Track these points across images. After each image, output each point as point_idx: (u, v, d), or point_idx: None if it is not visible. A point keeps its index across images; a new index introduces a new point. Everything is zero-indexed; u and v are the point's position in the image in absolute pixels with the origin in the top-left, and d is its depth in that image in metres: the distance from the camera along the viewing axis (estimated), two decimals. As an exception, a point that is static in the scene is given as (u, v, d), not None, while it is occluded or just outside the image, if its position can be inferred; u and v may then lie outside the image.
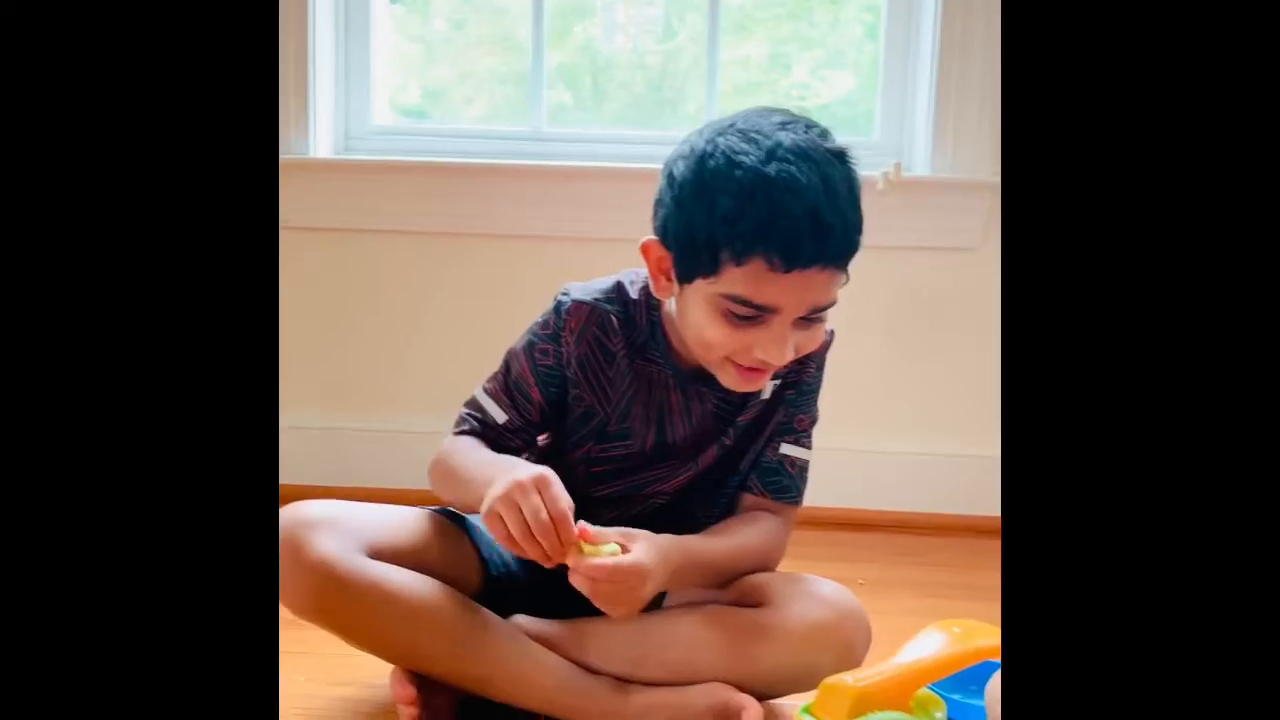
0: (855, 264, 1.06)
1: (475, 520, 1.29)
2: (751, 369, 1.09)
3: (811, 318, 1.06)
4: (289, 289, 2.08)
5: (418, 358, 2.09)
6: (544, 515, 1.01)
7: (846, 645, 1.12)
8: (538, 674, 1.16)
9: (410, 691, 1.13)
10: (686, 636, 1.15)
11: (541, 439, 1.28)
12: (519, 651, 1.17)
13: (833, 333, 1.22)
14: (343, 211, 2.06)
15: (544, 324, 1.20)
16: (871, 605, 1.18)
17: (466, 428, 1.24)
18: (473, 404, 1.25)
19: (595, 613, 1.20)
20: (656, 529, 1.19)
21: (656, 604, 1.23)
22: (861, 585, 1.48)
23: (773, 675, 1.13)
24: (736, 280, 1.03)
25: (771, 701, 1.17)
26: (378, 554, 1.13)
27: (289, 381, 2.09)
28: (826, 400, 1.27)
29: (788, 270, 1.00)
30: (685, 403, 1.21)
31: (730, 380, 1.12)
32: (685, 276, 1.09)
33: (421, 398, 2.07)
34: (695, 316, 1.09)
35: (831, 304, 1.06)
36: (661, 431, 1.22)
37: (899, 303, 2.05)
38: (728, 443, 1.24)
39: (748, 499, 1.26)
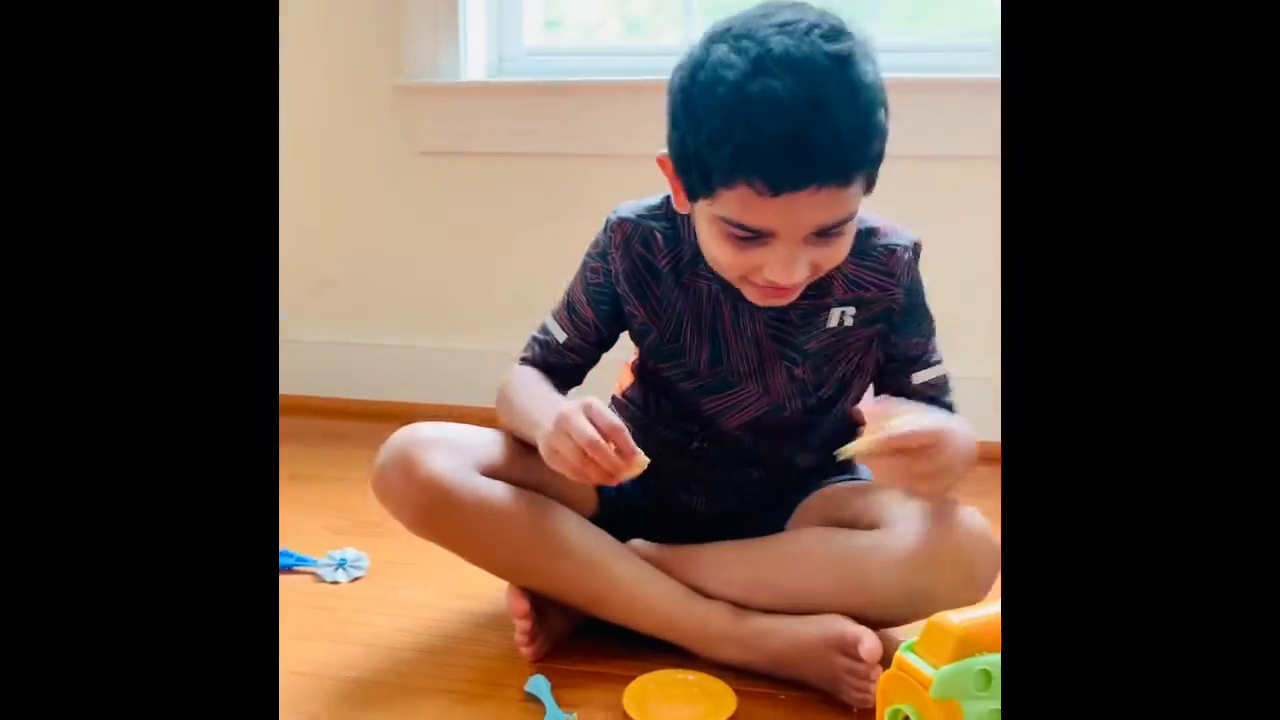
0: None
1: None
2: (770, 287, 1.02)
3: (826, 233, 0.97)
4: (424, 211, 2.12)
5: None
6: (592, 432, 0.98)
7: (967, 569, 1.04)
8: (651, 597, 1.15)
9: (524, 605, 1.14)
10: (801, 561, 1.11)
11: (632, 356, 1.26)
12: (632, 573, 1.16)
13: (917, 245, 1.14)
14: (496, 134, 2.07)
15: (595, 243, 1.18)
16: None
17: (530, 354, 1.23)
18: (541, 326, 1.24)
19: (710, 538, 1.17)
20: (748, 469, 1.17)
21: (775, 528, 1.19)
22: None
23: (887, 599, 1.07)
24: (729, 203, 0.96)
25: (889, 631, 1.12)
26: (491, 473, 1.14)
27: (426, 305, 2.15)
28: None
29: (775, 195, 0.92)
30: (736, 319, 1.14)
31: (753, 297, 1.05)
32: (689, 196, 1.03)
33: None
34: (703, 236, 1.04)
35: (846, 219, 0.97)
36: (716, 349, 1.16)
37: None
38: (798, 372, 1.15)
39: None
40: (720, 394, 1.18)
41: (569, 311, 1.21)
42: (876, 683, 0.94)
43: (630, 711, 1.06)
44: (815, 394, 1.18)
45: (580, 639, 1.20)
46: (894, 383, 1.18)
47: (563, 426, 1.00)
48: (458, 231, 2.14)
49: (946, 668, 0.80)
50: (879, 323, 1.14)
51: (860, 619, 1.07)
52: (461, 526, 1.11)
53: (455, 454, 1.13)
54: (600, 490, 1.23)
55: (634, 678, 1.11)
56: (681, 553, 1.19)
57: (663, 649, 1.16)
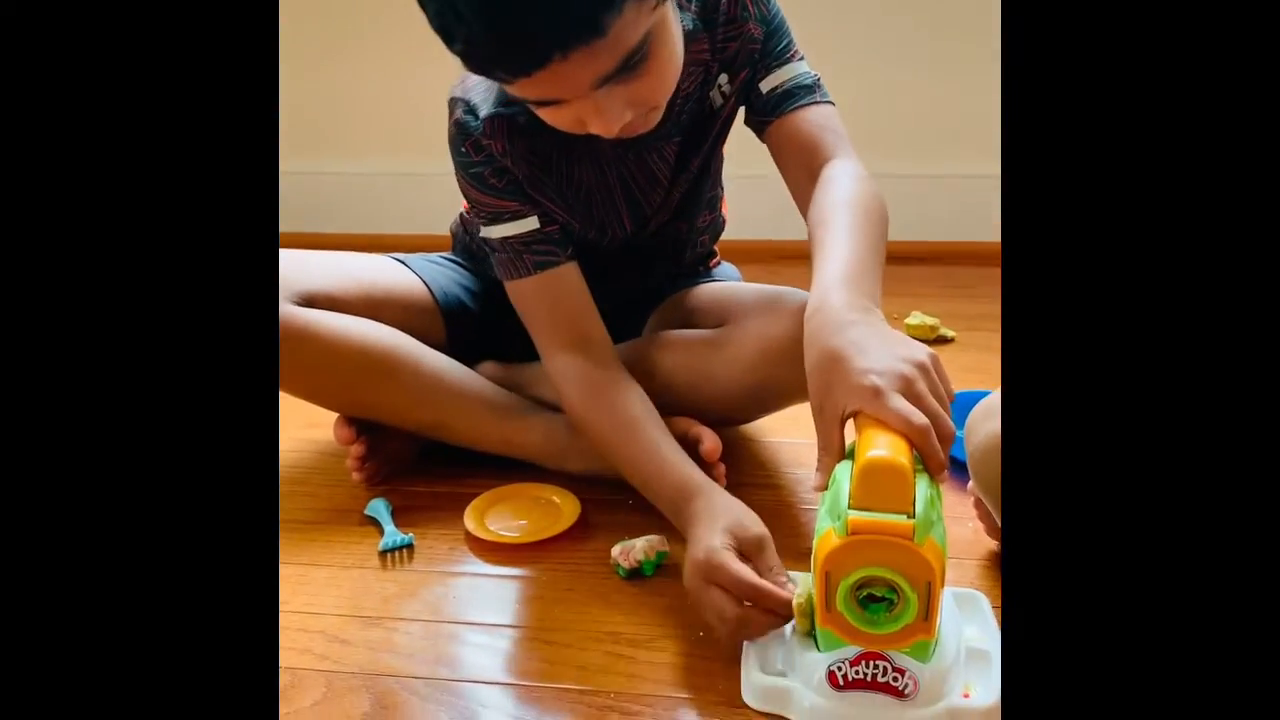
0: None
1: (415, 260, 1.23)
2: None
3: (627, 69, 0.82)
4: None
5: (409, 98, 1.92)
6: (751, 578, 0.82)
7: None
8: (494, 416, 1.12)
9: (348, 433, 1.11)
10: (651, 365, 1.07)
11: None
12: (474, 394, 1.12)
13: None
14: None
15: (468, 152, 1.01)
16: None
17: (523, 265, 1.02)
18: (496, 242, 1.03)
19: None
20: (611, 283, 1.09)
21: (628, 337, 1.16)
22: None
23: (731, 393, 1.05)
24: (505, 84, 0.83)
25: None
26: (312, 301, 1.07)
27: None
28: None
29: (527, 76, 0.79)
30: (647, 168, 1.05)
31: (624, 133, 0.90)
32: None
33: (403, 140, 1.96)
34: None
35: (632, 52, 0.81)
36: (635, 207, 1.08)
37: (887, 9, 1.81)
38: (693, 169, 1.09)
39: (782, 144, 1.02)
40: (611, 230, 1.10)
41: (501, 210, 1.03)
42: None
43: (469, 527, 1.04)
44: (698, 191, 1.12)
45: (429, 462, 1.18)
46: (768, 117, 1.03)
47: (712, 578, 0.84)
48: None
49: (919, 507, 0.69)
50: (745, 68, 1.02)
51: (708, 416, 1.05)
52: (285, 361, 1.05)
53: None
54: (445, 314, 1.19)
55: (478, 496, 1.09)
56: (529, 369, 1.16)
57: (511, 466, 1.13)
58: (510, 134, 0.99)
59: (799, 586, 0.80)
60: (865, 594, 0.71)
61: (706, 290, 1.17)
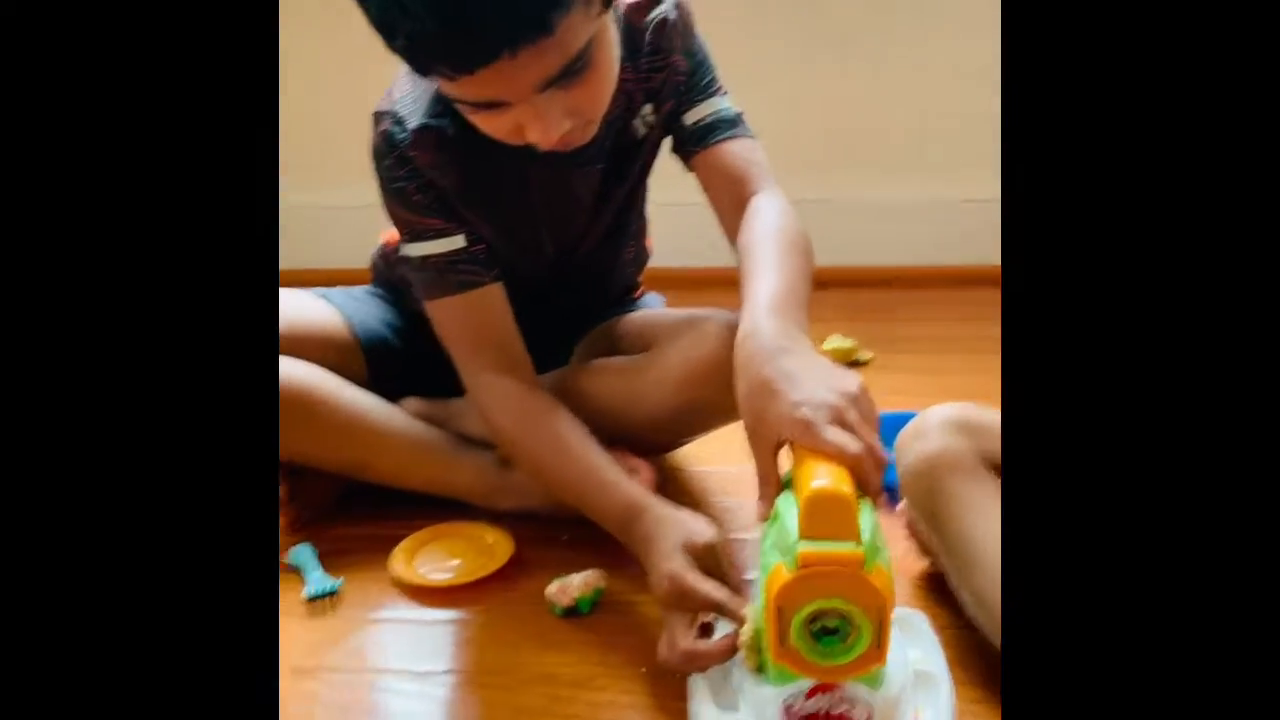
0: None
1: (336, 295, 1.20)
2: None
3: (568, 75, 0.81)
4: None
5: (324, 126, 1.81)
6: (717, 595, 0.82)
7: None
8: (420, 454, 1.09)
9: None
10: (580, 394, 1.05)
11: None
12: (399, 432, 1.09)
13: (679, 5, 1.00)
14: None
15: (393, 166, 0.97)
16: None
17: (446, 284, 0.99)
18: (418, 260, 1.00)
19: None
20: (536, 310, 1.06)
21: (561, 362, 1.14)
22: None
23: (659, 416, 1.04)
24: (444, 85, 0.82)
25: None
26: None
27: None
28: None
29: (471, 74, 0.78)
30: (571, 192, 1.04)
31: (549, 147, 0.88)
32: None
33: (320, 171, 1.91)
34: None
35: (574, 60, 0.81)
36: (560, 234, 1.07)
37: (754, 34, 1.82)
38: (617, 198, 1.09)
39: (709, 175, 1.01)
40: (534, 253, 1.08)
41: (424, 230, 0.99)
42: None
43: (395, 571, 1.01)
44: (623, 222, 1.11)
45: (355, 503, 1.14)
46: (694, 148, 1.02)
47: (684, 605, 0.83)
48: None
49: (866, 535, 0.68)
50: (670, 100, 1.02)
51: (640, 442, 1.05)
52: None
53: None
54: (366, 350, 1.16)
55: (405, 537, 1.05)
56: (455, 404, 1.14)
57: (440, 505, 1.10)
58: (439, 146, 0.97)
59: (746, 621, 0.79)
60: (818, 626, 0.71)
61: (630, 318, 1.16)
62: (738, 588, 0.84)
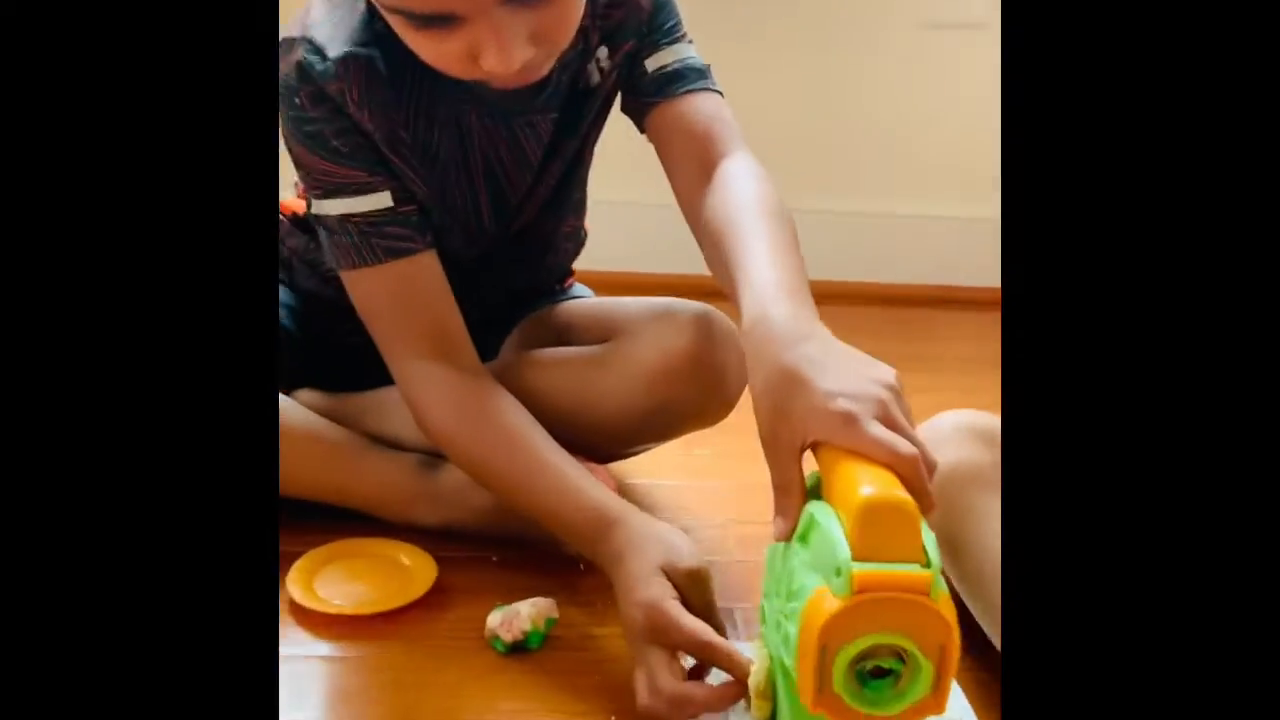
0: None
1: None
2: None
3: None
4: None
5: None
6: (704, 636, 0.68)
7: (718, 377, 0.87)
8: (320, 457, 0.91)
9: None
10: (518, 386, 0.87)
11: None
12: (296, 431, 0.90)
13: None
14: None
15: (307, 104, 0.80)
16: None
17: (370, 251, 0.82)
18: (334, 221, 0.82)
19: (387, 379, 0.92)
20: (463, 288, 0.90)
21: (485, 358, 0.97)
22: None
23: (623, 417, 0.89)
24: None
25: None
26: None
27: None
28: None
29: None
30: (517, 144, 0.88)
31: (500, 83, 0.76)
32: None
33: None
34: (400, 35, 0.75)
35: None
36: (500, 196, 0.91)
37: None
38: (580, 147, 0.94)
39: (669, 133, 0.87)
40: (468, 222, 0.91)
41: (342, 184, 0.82)
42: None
43: (294, 594, 0.82)
44: (568, 186, 0.95)
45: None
46: (653, 99, 0.88)
47: (659, 640, 0.69)
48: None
49: (932, 554, 0.56)
50: (629, 40, 0.87)
51: (592, 448, 0.89)
52: None
53: None
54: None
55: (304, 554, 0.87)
56: (362, 398, 0.96)
57: (343, 518, 0.92)
58: (368, 81, 0.80)
59: (754, 662, 0.65)
60: (870, 666, 0.57)
61: (580, 304, 1.01)
62: (720, 627, 0.70)
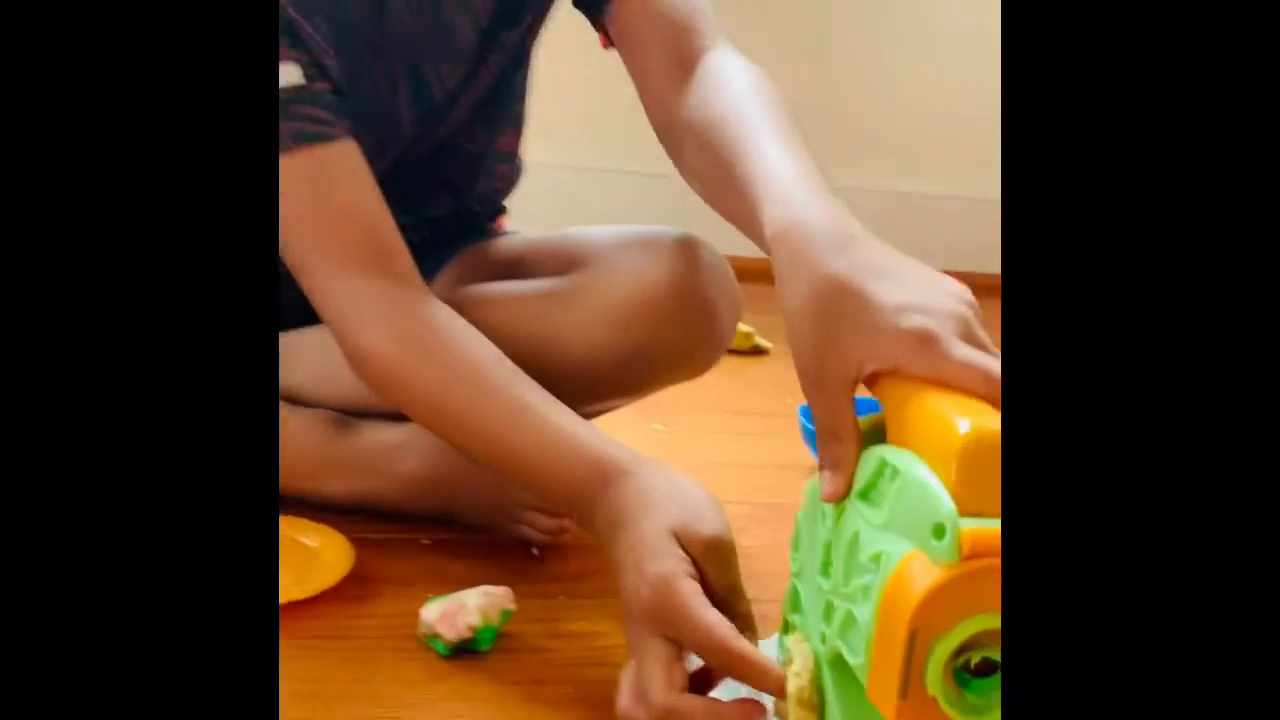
0: None
1: None
2: None
3: None
4: None
5: None
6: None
7: (708, 313, 0.73)
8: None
9: None
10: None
11: None
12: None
13: None
14: None
15: None
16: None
17: (283, 141, 0.64)
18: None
19: (306, 321, 0.74)
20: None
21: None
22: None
23: (594, 360, 0.73)
24: None
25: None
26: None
27: None
28: None
29: None
30: (447, 26, 0.74)
31: None
32: None
33: None
34: None
35: None
36: (423, 92, 0.76)
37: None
38: (521, 42, 0.79)
39: (638, 27, 0.73)
40: (383, 119, 0.75)
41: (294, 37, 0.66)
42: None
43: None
44: (504, 90, 0.80)
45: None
46: None
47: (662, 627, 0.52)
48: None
49: None
50: None
51: (554, 382, 0.72)
52: None
53: None
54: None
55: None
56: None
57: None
58: None
59: (794, 662, 0.50)
60: (978, 660, 0.43)
61: (529, 237, 0.85)
62: (747, 621, 0.54)
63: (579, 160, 1.42)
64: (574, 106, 1.56)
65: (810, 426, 0.93)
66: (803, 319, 0.50)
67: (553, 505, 0.68)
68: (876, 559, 0.44)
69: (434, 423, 0.65)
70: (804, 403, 0.99)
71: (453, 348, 0.63)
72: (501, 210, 0.93)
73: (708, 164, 0.63)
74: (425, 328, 0.64)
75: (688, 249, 0.72)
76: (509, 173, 0.88)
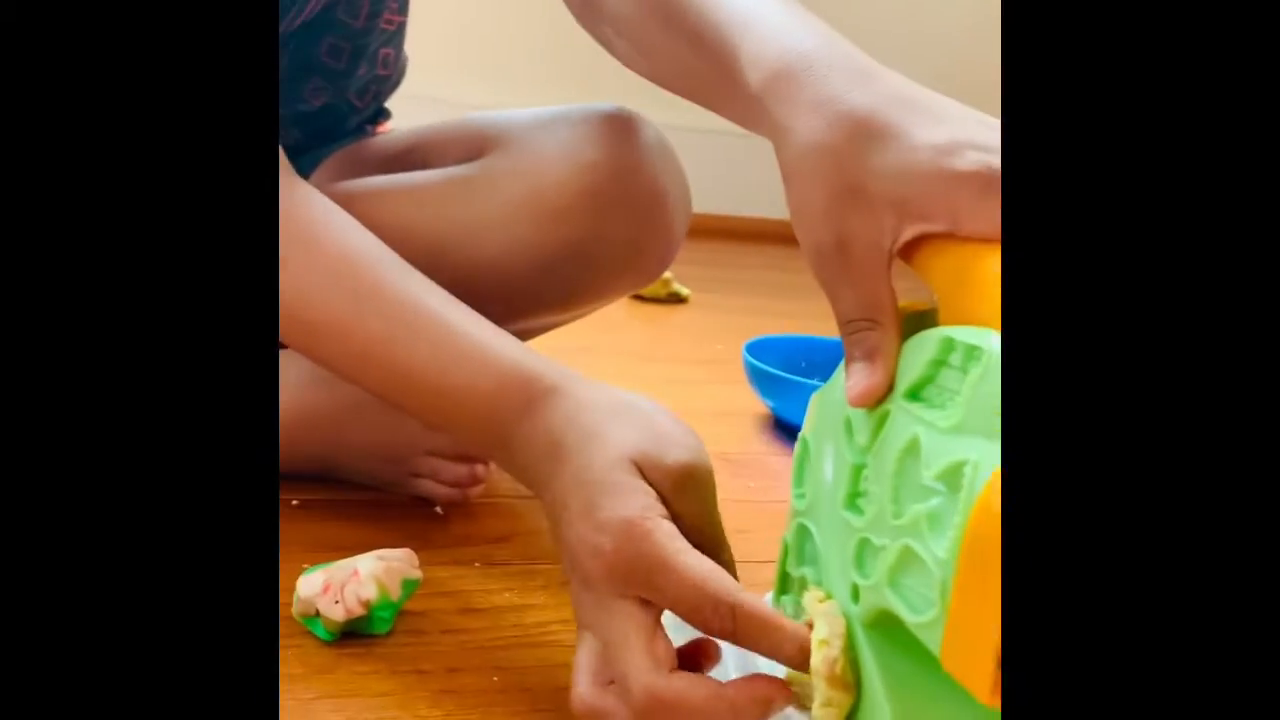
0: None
1: None
2: None
3: None
4: None
5: None
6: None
7: (656, 202, 0.60)
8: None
9: None
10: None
11: None
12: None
13: None
14: None
15: None
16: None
17: None
18: None
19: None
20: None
21: None
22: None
23: (515, 264, 0.59)
24: None
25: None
26: None
27: None
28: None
29: None
30: None
31: None
32: None
33: None
34: None
35: None
36: None
37: None
38: None
39: None
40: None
41: None
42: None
43: None
44: None
45: None
46: None
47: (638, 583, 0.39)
48: None
49: None
50: None
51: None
52: None
53: None
54: None
55: None
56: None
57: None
58: None
59: (817, 627, 0.37)
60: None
61: (422, 126, 0.69)
62: (730, 569, 0.41)
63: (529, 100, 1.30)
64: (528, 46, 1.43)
65: (758, 362, 0.80)
66: (813, 176, 0.37)
67: (460, 442, 0.54)
68: (953, 473, 0.32)
69: (300, 339, 0.49)
70: (747, 341, 0.88)
71: (324, 241, 0.48)
72: (384, 114, 0.78)
73: (650, 17, 0.49)
74: (288, 218, 0.48)
75: (625, 125, 0.58)
76: (392, 63, 0.73)
